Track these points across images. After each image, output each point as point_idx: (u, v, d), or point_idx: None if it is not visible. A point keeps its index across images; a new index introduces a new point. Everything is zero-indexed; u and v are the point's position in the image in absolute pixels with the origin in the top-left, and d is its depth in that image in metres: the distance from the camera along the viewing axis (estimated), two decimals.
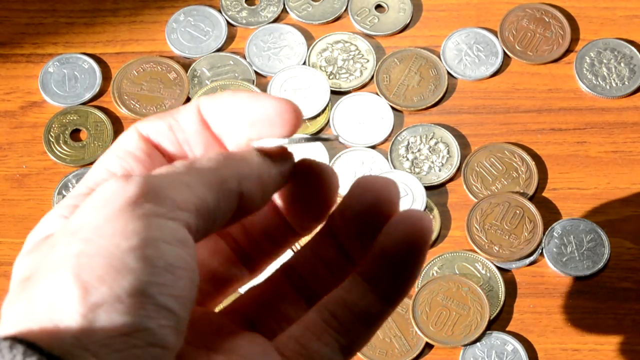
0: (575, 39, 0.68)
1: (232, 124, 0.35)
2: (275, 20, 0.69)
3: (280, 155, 0.35)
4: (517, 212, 0.62)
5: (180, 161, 0.33)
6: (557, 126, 0.65)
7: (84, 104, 0.66)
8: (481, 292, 0.60)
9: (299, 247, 0.38)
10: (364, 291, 0.34)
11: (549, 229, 0.62)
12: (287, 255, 0.38)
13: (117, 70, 0.67)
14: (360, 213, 0.35)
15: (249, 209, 0.34)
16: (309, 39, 0.68)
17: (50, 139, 0.65)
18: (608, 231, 0.62)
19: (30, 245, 0.33)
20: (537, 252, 0.62)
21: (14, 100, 0.67)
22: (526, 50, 0.67)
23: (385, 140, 0.65)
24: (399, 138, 0.65)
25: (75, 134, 0.66)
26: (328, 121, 0.65)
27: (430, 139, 0.65)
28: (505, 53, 0.67)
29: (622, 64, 0.67)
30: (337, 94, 0.67)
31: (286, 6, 0.69)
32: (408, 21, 0.69)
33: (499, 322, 0.60)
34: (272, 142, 0.34)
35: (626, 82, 0.66)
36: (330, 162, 0.64)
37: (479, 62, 0.67)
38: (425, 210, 0.63)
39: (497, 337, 0.60)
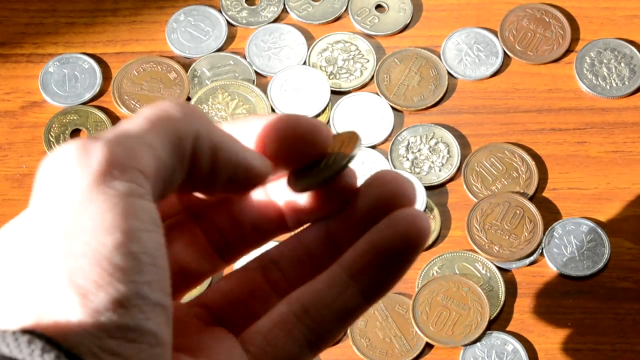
0: (575, 39, 0.68)
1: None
2: (276, 20, 0.69)
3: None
4: (517, 212, 0.62)
5: (143, 110, 0.31)
6: (557, 126, 0.65)
7: (84, 104, 0.66)
8: (481, 292, 0.60)
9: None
10: (346, 286, 0.33)
11: (549, 229, 0.62)
12: (266, 245, 0.37)
13: (117, 70, 0.67)
14: (374, 206, 0.34)
15: (197, 181, 0.32)
16: (309, 39, 0.68)
17: (51, 139, 0.65)
18: (608, 231, 0.62)
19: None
20: (537, 252, 0.62)
21: (14, 100, 0.67)
22: (526, 50, 0.67)
23: (386, 140, 0.65)
24: (399, 138, 0.65)
25: (75, 134, 0.66)
26: (328, 121, 0.65)
27: (431, 139, 0.65)
28: (505, 53, 0.67)
29: (622, 64, 0.67)
30: (337, 94, 0.67)
31: (286, 6, 0.69)
32: (408, 21, 0.69)
33: (499, 322, 0.60)
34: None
35: (626, 82, 0.66)
36: None
37: (479, 62, 0.67)
38: (425, 210, 0.63)
39: (497, 337, 0.60)
